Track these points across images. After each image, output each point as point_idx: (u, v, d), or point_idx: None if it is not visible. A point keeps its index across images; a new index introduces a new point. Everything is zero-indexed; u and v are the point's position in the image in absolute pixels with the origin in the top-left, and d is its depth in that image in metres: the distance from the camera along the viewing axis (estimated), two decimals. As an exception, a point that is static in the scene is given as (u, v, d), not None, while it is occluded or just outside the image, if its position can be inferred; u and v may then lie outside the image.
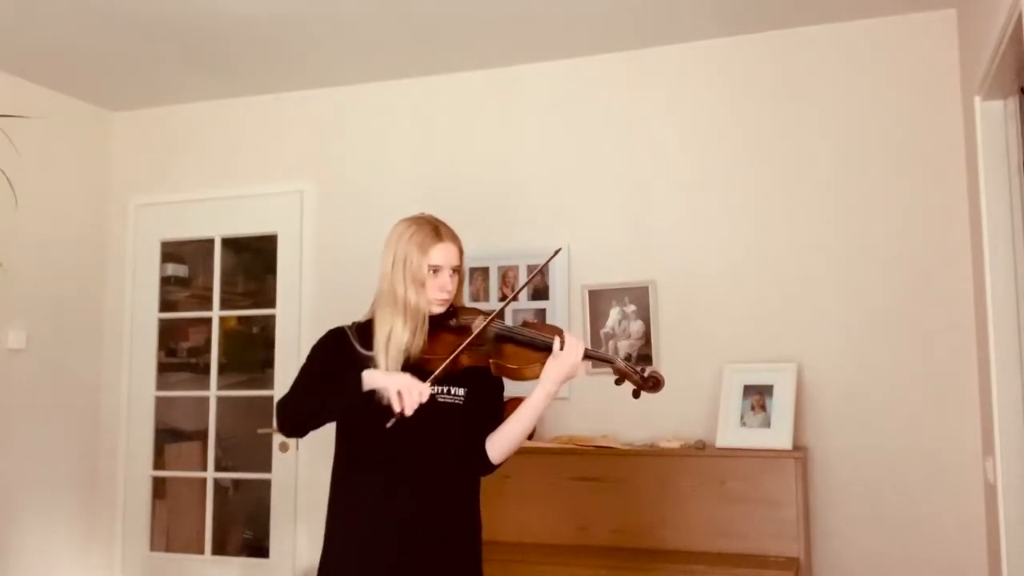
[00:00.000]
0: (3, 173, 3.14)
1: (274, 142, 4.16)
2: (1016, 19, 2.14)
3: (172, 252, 4.42)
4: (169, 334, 4.51)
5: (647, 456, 3.23)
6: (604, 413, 3.49)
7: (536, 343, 2.06)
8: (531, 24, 3.40)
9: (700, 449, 3.21)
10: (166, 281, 4.37)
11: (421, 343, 2.05)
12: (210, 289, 4.27)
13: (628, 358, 2.07)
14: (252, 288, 4.70)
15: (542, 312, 3.64)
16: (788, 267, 3.38)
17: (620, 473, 3.21)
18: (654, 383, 2.02)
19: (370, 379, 1.94)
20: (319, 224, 4.04)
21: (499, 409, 2.20)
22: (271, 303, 4.13)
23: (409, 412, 1.87)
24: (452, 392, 2.09)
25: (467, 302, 3.65)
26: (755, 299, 3.40)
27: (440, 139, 3.90)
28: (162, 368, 4.32)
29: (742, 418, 3.22)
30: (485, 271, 3.74)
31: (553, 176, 3.72)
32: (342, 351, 2.08)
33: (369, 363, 2.02)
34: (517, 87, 3.82)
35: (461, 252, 2.14)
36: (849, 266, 3.31)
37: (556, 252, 2.25)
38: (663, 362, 3.46)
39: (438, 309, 2.09)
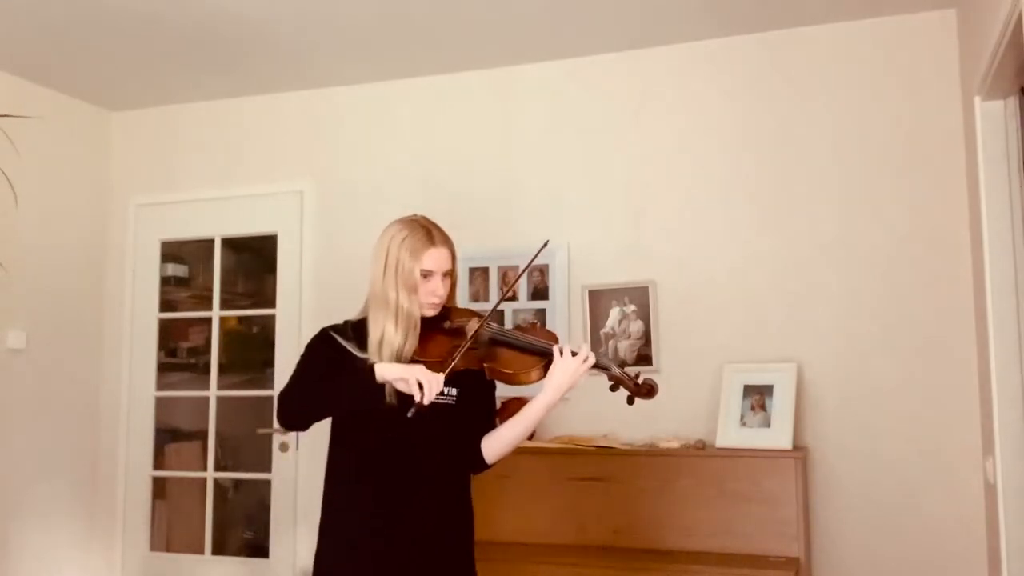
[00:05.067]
0: (3, 173, 3.14)
1: (274, 142, 4.16)
2: (1016, 19, 2.14)
3: (172, 252, 4.42)
4: (169, 334, 4.51)
5: (647, 456, 3.22)
6: (604, 413, 3.48)
7: (533, 348, 2.05)
8: (531, 24, 3.40)
9: (700, 449, 3.21)
10: (166, 281, 4.36)
11: (412, 346, 2.05)
12: (210, 289, 4.27)
13: (623, 364, 2.08)
14: (252, 288, 4.70)
15: (542, 312, 3.64)
16: (788, 267, 3.38)
17: (620, 473, 3.21)
18: (648, 390, 2.04)
19: (383, 371, 1.94)
20: (319, 224, 4.04)
21: (492, 408, 2.22)
22: (271, 303, 4.13)
23: (428, 401, 1.86)
24: (446, 392, 2.06)
25: (467, 302, 3.68)
26: (755, 299, 3.40)
27: (440, 139, 3.90)
28: (162, 368, 4.32)
29: (742, 418, 3.22)
30: (485, 271, 3.74)
31: (553, 176, 3.72)
32: (335, 352, 2.08)
33: (363, 364, 2.03)
34: (517, 87, 3.81)
35: (454, 255, 2.12)
36: (849, 266, 3.31)
37: (544, 244, 2.24)
38: (663, 362, 3.46)
39: (430, 313, 2.09)
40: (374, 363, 1.96)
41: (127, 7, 3.21)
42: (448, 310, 2.14)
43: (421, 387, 1.87)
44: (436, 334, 2.08)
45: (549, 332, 2.18)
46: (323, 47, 3.62)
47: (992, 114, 2.70)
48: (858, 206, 3.32)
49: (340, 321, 2.18)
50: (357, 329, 2.11)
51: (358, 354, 2.05)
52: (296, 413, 2.03)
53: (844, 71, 3.38)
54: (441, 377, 1.90)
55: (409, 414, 1.86)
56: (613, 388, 2.08)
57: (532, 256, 2.19)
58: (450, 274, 2.11)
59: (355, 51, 3.67)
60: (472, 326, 2.05)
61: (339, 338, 2.10)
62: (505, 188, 3.77)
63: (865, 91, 3.34)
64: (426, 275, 2.06)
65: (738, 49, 3.51)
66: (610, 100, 3.67)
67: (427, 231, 2.09)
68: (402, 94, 3.98)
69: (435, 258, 2.06)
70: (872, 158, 3.32)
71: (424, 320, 2.09)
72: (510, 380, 2.04)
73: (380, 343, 2.03)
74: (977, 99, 2.72)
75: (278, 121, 4.16)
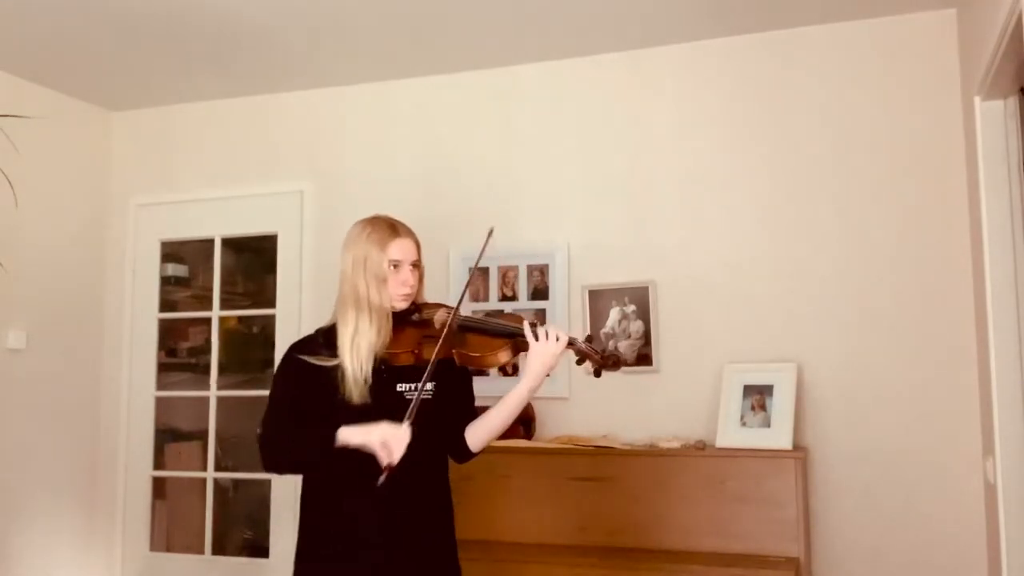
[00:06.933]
0: (3, 173, 3.14)
1: (274, 142, 4.16)
2: (1016, 19, 2.15)
3: (172, 252, 4.42)
4: (169, 334, 4.51)
5: (647, 456, 3.22)
6: (604, 413, 3.49)
7: (498, 330, 2.10)
8: (531, 24, 3.40)
9: (700, 449, 3.21)
10: (166, 281, 4.37)
11: (386, 339, 2.07)
12: (210, 289, 4.27)
13: (589, 339, 2.12)
14: (252, 288, 4.70)
15: (542, 312, 3.64)
16: (788, 267, 3.38)
17: (620, 473, 3.21)
18: (614, 361, 2.09)
19: (345, 436, 1.95)
20: (319, 224, 4.04)
21: (471, 397, 2.25)
22: (271, 303, 4.13)
23: (396, 461, 1.87)
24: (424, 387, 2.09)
25: (468, 302, 3.68)
26: (755, 299, 3.40)
27: (440, 139, 3.90)
28: (162, 368, 4.32)
29: (742, 418, 3.22)
30: (485, 271, 3.74)
31: (553, 176, 3.72)
32: (303, 374, 2.09)
33: (335, 371, 2.05)
34: (517, 87, 3.81)
35: (419, 247, 2.17)
36: (849, 266, 3.31)
37: (490, 232, 2.24)
38: (663, 362, 3.47)
39: (401, 305, 2.13)
40: (335, 432, 1.97)
41: (127, 7, 3.21)
42: (416, 304, 2.17)
43: (387, 448, 1.89)
44: (406, 327, 2.12)
45: (515, 315, 2.22)
46: (323, 47, 3.62)
47: (992, 114, 2.71)
48: (858, 206, 3.32)
49: (312, 331, 2.20)
50: (329, 335, 2.12)
51: (327, 364, 2.06)
52: (275, 471, 2.11)
53: (844, 71, 3.38)
54: (405, 429, 1.90)
55: (379, 481, 1.86)
56: (579, 362, 2.12)
57: (480, 250, 2.20)
58: (418, 266, 2.15)
59: (355, 51, 3.67)
60: (440, 316, 2.10)
61: (305, 357, 2.10)
62: (505, 188, 3.77)
63: (865, 91, 3.34)
64: (395, 265, 2.10)
65: (738, 49, 3.51)
66: (610, 100, 3.67)
67: (390, 224, 2.15)
68: (402, 94, 3.98)
69: (401, 248, 2.12)
70: (872, 158, 3.32)
71: (394, 315, 2.11)
72: (478, 363, 2.09)
73: (353, 339, 2.05)
74: (977, 99, 2.73)
75: (278, 121, 4.16)
